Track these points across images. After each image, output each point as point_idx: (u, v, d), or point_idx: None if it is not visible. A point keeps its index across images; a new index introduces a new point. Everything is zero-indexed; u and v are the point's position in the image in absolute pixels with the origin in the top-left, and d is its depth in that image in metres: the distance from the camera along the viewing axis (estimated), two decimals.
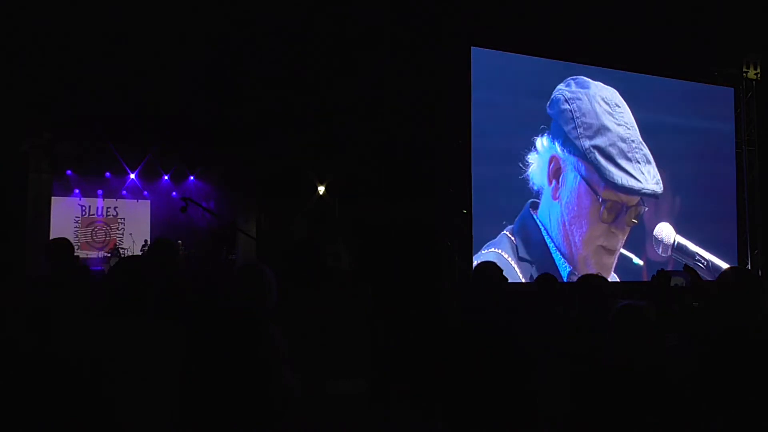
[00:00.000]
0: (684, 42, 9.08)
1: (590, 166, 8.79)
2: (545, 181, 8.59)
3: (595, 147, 8.80)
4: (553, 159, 8.63)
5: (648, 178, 9.16)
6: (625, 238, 8.96)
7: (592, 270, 8.43)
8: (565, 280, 8.28)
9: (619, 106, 9.09)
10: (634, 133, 9.13)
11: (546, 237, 8.42)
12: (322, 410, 2.57)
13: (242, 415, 2.05)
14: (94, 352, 2.05)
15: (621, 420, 2.05)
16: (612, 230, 8.85)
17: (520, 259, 8.20)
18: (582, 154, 8.75)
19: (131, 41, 8.05)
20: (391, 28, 8.23)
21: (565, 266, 8.45)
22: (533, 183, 8.48)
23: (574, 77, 8.95)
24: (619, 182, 8.95)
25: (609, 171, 8.87)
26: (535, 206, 8.46)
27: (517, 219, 8.36)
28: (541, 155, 8.57)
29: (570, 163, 8.70)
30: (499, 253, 8.12)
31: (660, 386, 2.05)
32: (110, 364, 2.03)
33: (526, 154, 8.49)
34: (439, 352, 3.00)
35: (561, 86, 8.86)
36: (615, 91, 9.15)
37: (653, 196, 9.24)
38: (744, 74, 10.28)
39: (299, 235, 10.02)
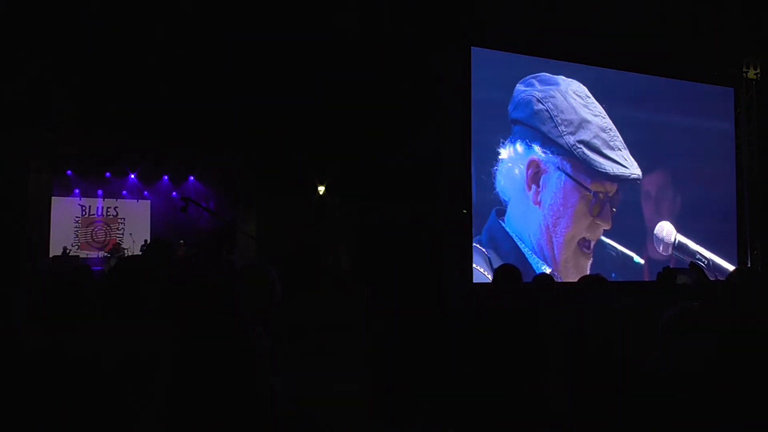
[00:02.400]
0: (684, 42, 9.08)
1: (577, 162, 8.63)
2: (521, 189, 8.31)
3: (581, 142, 8.68)
4: (532, 163, 8.39)
5: (632, 162, 9.13)
6: (609, 227, 8.86)
7: (572, 272, 8.39)
8: None
9: (589, 97, 8.97)
10: (609, 121, 9.03)
11: (519, 243, 8.19)
12: (319, 412, 2.57)
13: (224, 418, 2.05)
14: (93, 352, 2.05)
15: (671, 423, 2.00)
16: (596, 222, 8.72)
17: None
18: (567, 152, 8.57)
19: (132, 41, 8.05)
20: (392, 28, 8.22)
21: (543, 271, 8.21)
22: (503, 195, 8.24)
23: (534, 75, 8.67)
24: (611, 172, 8.86)
25: (599, 163, 8.78)
26: (500, 213, 8.21)
27: (484, 230, 8.12)
28: (507, 164, 8.28)
29: (553, 164, 8.50)
30: (475, 267, 7.95)
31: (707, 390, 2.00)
32: (108, 364, 2.03)
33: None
34: (451, 339, 3.00)
35: (522, 87, 8.55)
36: (578, 82, 8.97)
37: (637, 179, 9.19)
38: (744, 74, 10.29)
39: (299, 235, 10.02)
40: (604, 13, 8.35)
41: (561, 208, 8.50)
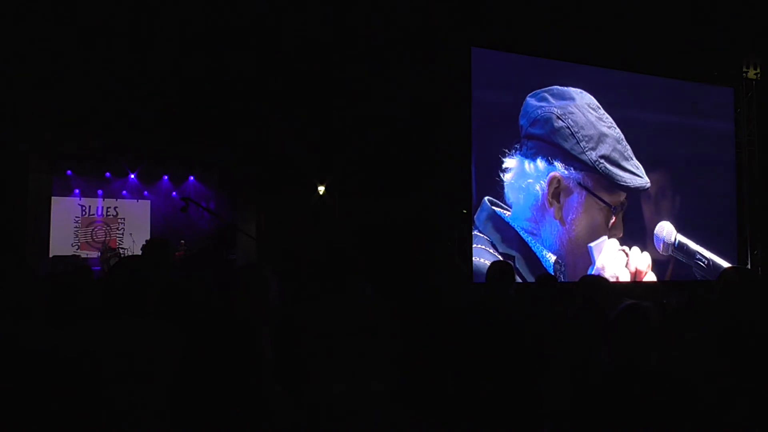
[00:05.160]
0: (684, 42, 9.08)
1: (599, 177, 8.69)
2: (535, 202, 8.28)
3: (603, 157, 8.74)
4: (553, 179, 8.39)
5: (642, 170, 9.19)
6: (621, 235, 8.91)
7: (580, 259, 8.44)
8: (551, 271, 8.17)
9: (600, 108, 8.98)
10: (619, 130, 9.05)
11: (523, 234, 8.19)
12: (320, 413, 2.57)
13: (226, 419, 2.05)
14: (93, 351, 2.05)
15: (622, 421, 2.02)
16: (612, 232, 8.81)
17: (502, 256, 7.99)
18: (590, 168, 8.63)
19: (131, 42, 8.06)
20: (392, 28, 8.23)
21: (548, 258, 8.28)
22: (509, 201, 8.21)
23: (546, 89, 8.63)
24: (632, 184, 8.96)
25: (620, 176, 8.86)
26: (493, 203, 8.14)
27: (479, 219, 8.05)
28: (521, 177, 8.24)
29: (574, 180, 8.54)
30: (486, 249, 7.98)
31: (666, 387, 2.01)
32: (108, 364, 2.03)
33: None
34: (445, 340, 3.00)
35: (536, 102, 8.51)
36: (587, 93, 8.92)
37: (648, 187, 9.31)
38: (744, 74, 10.28)
39: (299, 235, 10.01)
40: (604, 13, 8.35)
41: (583, 222, 8.59)
